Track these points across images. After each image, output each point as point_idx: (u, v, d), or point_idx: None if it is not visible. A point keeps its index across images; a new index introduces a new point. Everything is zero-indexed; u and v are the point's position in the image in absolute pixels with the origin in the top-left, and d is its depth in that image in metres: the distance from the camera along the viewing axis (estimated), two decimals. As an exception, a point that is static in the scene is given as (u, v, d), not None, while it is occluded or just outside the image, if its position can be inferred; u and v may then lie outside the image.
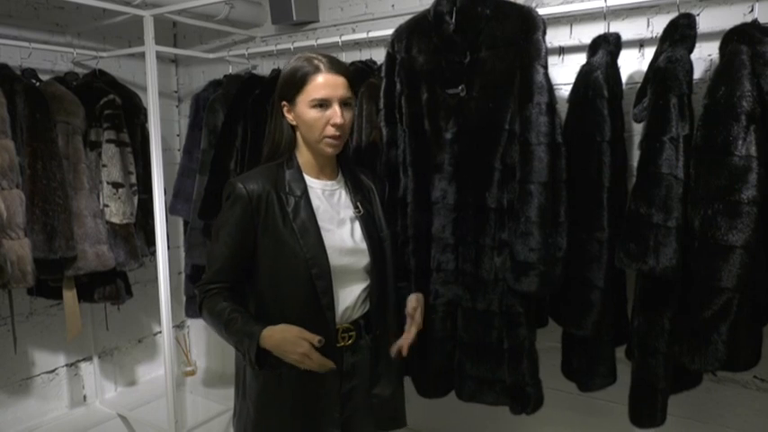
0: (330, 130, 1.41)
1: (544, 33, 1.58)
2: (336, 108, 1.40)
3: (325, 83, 1.39)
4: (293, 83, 1.42)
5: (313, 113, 1.40)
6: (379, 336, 1.54)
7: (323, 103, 1.40)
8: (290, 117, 1.46)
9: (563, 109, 1.67)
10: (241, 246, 1.42)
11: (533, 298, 1.65)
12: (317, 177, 1.49)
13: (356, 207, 1.52)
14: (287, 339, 1.32)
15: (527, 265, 1.58)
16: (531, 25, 1.58)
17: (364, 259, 1.48)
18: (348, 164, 1.59)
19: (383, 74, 1.82)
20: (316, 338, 1.31)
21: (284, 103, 1.45)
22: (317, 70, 1.40)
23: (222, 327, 1.39)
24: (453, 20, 1.67)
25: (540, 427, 2.19)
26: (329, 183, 1.51)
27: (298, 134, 1.48)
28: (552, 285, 1.60)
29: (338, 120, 1.39)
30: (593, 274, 1.60)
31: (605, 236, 1.57)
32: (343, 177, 1.54)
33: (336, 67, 1.42)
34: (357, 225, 1.50)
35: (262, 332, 1.34)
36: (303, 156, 1.48)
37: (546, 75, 1.57)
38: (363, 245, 1.48)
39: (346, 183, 1.54)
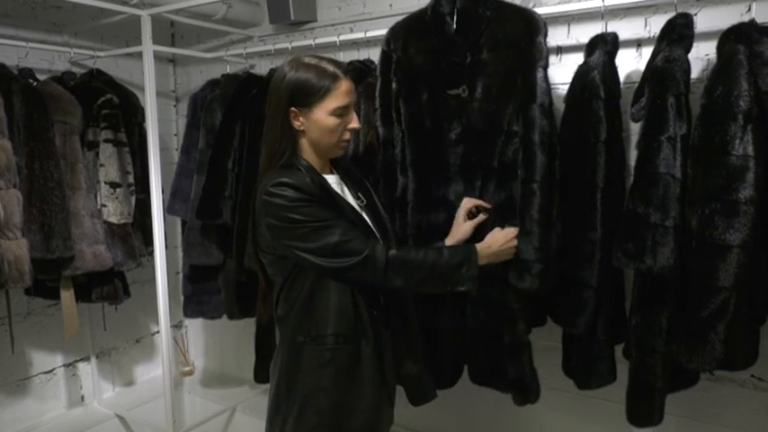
0: (347, 135, 1.46)
1: (546, 36, 1.59)
2: (353, 113, 1.43)
3: (347, 90, 1.41)
4: (313, 90, 1.38)
5: (333, 120, 1.40)
6: (397, 320, 1.54)
7: (344, 111, 1.41)
8: (297, 123, 1.42)
9: (559, 108, 1.67)
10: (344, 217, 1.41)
11: (532, 295, 1.65)
12: (323, 173, 1.50)
13: (358, 198, 1.54)
14: (502, 249, 1.54)
15: (530, 263, 1.59)
16: (533, 28, 1.58)
17: None
18: (338, 161, 1.59)
19: (378, 73, 1.82)
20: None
21: (293, 109, 1.40)
22: (337, 78, 1.39)
23: (431, 267, 1.43)
24: (454, 21, 1.67)
25: (538, 426, 2.19)
26: (333, 177, 1.53)
27: (302, 140, 1.45)
28: (548, 283, 1.62)
29: (356, 125, 1.45)
30: (586, 273, 1.60)
31: (598, 236, 1.58)
32: (338, 173, 1.56)
33: (348, 71, 1.43)
34: (365, 215, 1.52)
35: (478, 256, 1.47)
36: (308, 158, 1.46)
37: (546, 76, 1.58)
38: (376, 234, 1.50)
39: (342, 177, 1.56)
